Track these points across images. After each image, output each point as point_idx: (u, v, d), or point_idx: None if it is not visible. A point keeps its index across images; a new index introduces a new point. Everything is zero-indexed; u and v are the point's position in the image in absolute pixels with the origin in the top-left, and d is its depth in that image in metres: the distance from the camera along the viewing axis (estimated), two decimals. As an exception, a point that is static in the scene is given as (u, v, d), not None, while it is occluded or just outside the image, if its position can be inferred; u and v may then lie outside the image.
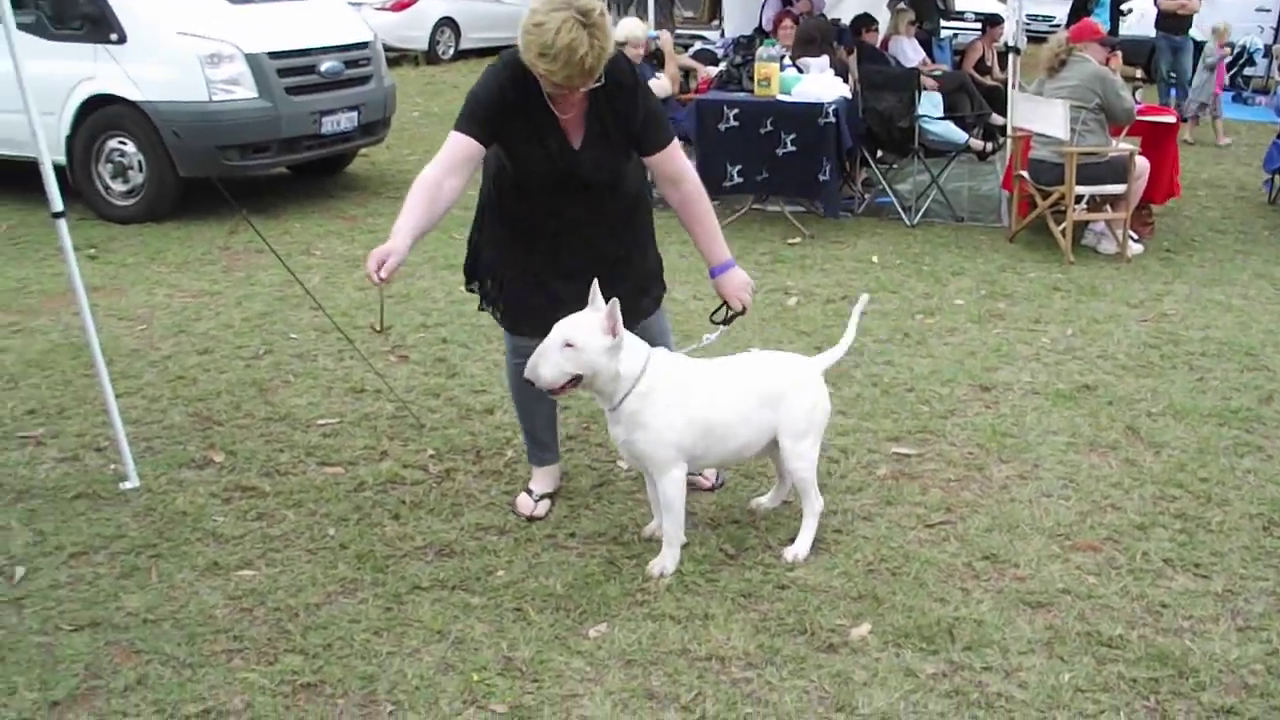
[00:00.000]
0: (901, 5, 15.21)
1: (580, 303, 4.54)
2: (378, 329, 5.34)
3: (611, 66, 4.50)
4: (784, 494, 5.20)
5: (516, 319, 5.06)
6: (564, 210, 4.80)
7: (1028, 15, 26.38)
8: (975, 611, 4.44)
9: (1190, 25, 17.71)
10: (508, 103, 4.58)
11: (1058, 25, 23.90)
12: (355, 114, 11.27)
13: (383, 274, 4.39)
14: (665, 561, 4.69)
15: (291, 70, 10.67)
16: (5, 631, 4.39)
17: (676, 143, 4.83)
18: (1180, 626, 4.41)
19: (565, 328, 4.43)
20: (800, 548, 4.81)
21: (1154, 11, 18.18)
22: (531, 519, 5.17)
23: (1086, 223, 9.82)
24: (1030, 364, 7.04)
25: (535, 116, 4.60)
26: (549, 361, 4.40)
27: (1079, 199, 9.53)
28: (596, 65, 4.34)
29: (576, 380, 4.46)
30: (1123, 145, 9.70)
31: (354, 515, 5.20)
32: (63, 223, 5.54)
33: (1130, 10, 20.69)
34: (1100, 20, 14.80)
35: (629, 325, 4.71)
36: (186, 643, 4.29)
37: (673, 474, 4.61)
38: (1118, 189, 9.50)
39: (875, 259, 9.32)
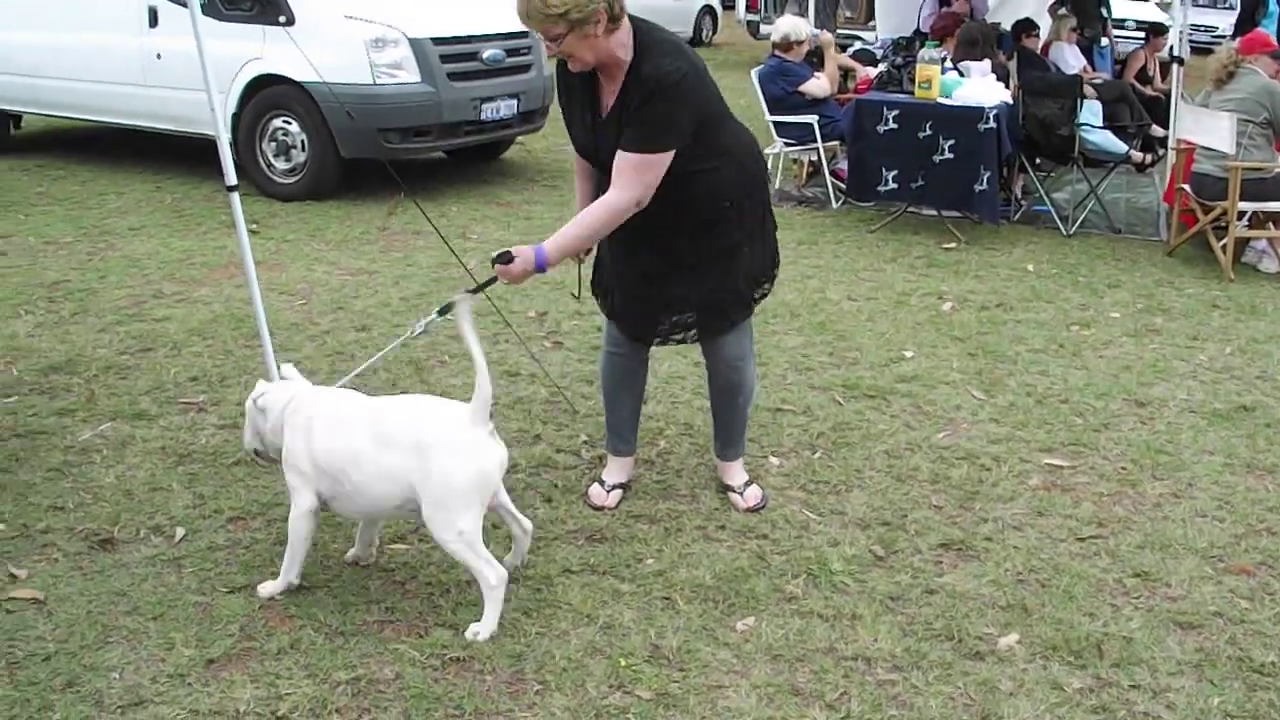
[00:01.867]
0: (1064, 11, 15.02)
1: (659, 304, 4.88)
2: (576, 296, 5.44)
3: (644, 57, 4.50)
4: (519, 555, 4.71)
5: (614, 312, 5.17)
6: None
7: (1191, 25, 26.00)
8: (1125, 628, 4.39)
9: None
10: (563, 75, 4.76)
11: (1221, 36, 23.47)
12: (515, 101, 11.40)
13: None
14: (266, 588, 4.55)
15: (454, 56, 10.84)
16: (165, 589, 4.52)
17: (639, 159, 4.48)
18: (1337, 655, 4.33)
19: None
20: (483, 627, 4.28)
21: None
22: (602, 509, 5.22)
23: (1248, 240, 9.63)
24: (1187, 381, 6.93)
25: (585, 88, 4.68)
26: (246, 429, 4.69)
27: (1241, 215, 9.35)
28: (535, 12, 4.37)
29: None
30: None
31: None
32: (236, 196, 5.68)
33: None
34: (1269, 31, 14.52)
35: (703, 343, 4.97)
36: (339, 611, 4.38)
37: (297, 503, 4.42)
38: (1283, 206, 9.32)
39: (1030, 267, 9.22)
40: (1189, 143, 9.80)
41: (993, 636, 4.32)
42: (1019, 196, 11.18)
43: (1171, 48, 10.86)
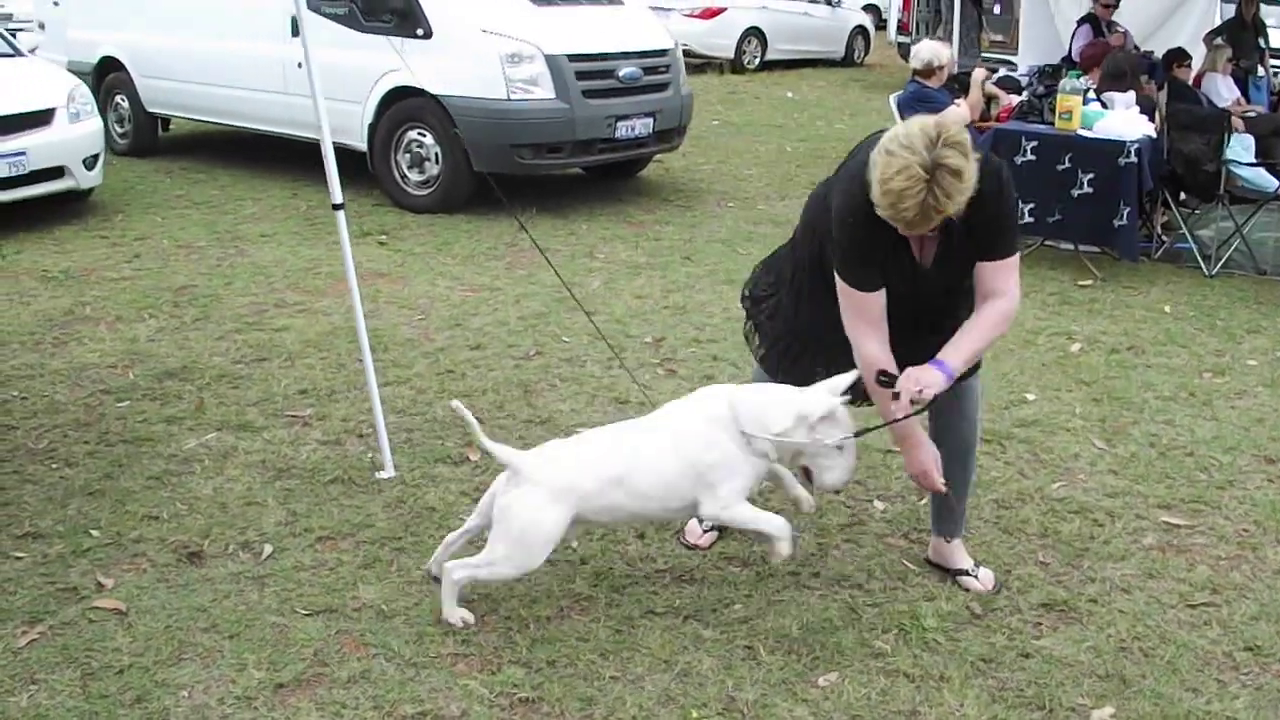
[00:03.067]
0: (1219, 41, 14.59)
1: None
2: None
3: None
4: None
5: (784, 366, 4.82)
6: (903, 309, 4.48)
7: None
8: (1229, 706, 4.14)
9: None
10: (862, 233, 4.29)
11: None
12: (651, 120, 11.31)
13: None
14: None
15: (589, 74, 10.79)
16: (245, 608, 4.51)
17: (1016, 259, 4.38)
18: None
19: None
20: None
21: None
22: (695, 547, 5.06)
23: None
24: (1324, 437, 6.62)
25: (890, 238, 4.27)
26: None
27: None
28: (925, 218, 4.00)
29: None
30: None
31: (598, 530, 5.16)
32: (341, 215, 5.67)
33: None
34: None
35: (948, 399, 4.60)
36: (414, 641, 4.32)
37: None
38: None
39: (1167, 308, 8.90)
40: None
41: (1086, 708, 4.10)
42: (1160, 233, 10.82)
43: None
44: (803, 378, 4.52)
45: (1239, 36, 15.39)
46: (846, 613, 4.62)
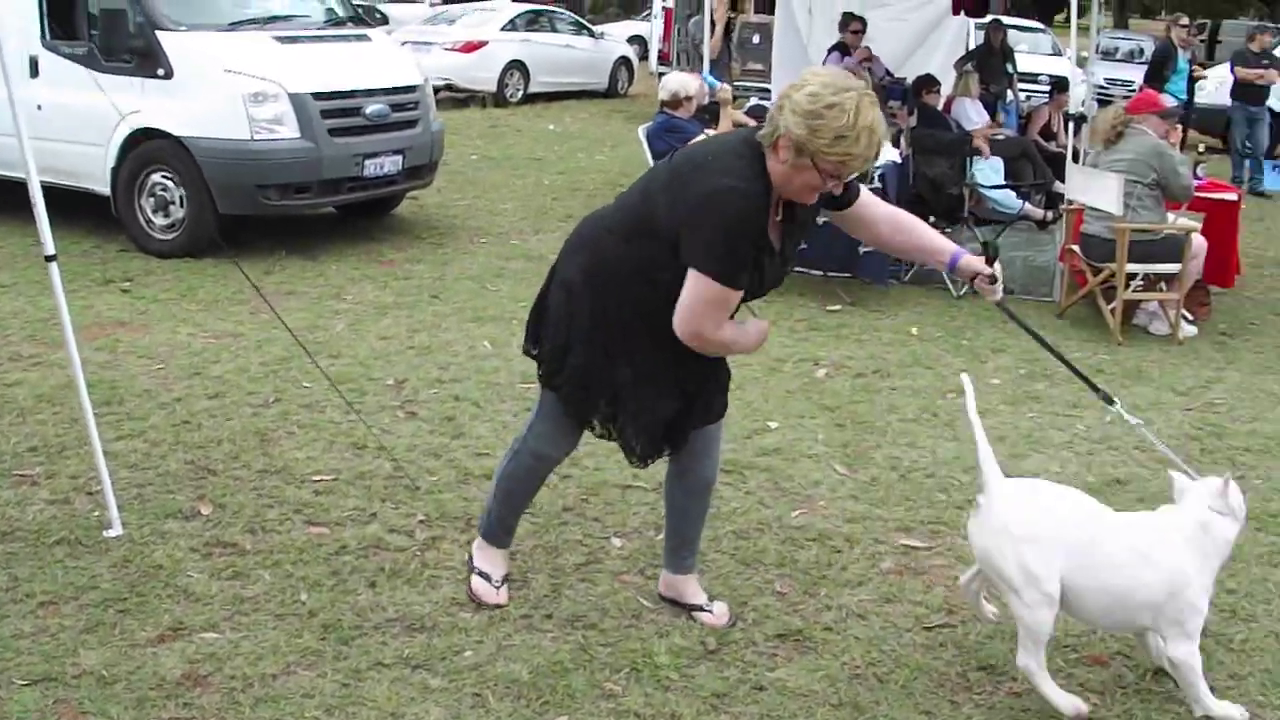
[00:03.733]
0: (969, 68, 15.01)
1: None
2: None
3: None
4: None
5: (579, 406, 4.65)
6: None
7: (1106, 79, 26.24)
8: (960, 727, 4.19)
9: (1269, 95, 17.40)
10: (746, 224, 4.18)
11: (1134, 90, 23.65)
12: (400, 157, 11.17)
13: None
14: None
15: (335, 112, 10.61)
16: (-43, 680, 4.27)
17: (865, 189, 4.53)
18: (1184, 757, 4.14)
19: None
20: None
21: (1230, 80, 17.89)
22: (498, 606, 4.86)
23: (1138, 302, 9.53)
24: (1061, 453, 6.77)
25: (761, 230, 4.22)
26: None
27: (1132, 277, 9.25)
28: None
29: None
30: (1182, 222, 9.41)
31: (330, 580, 5.01)
32: (54, 267, 5.42)
33: (1205, 78, 20.36)
34: (1177, 88, 14.59)
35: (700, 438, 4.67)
36: (134, 707, 4.14)
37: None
38: (1172, 268, 9.21)
39: (914, 330, 9.06)
40: (1079, 203, 9.71)
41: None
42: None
43: (1083, 102, 10.81)
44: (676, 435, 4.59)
45: (988, 62, 15.91)
46: (578, 653, 4.55)
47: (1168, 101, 10.36)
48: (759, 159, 4.12)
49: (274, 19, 11.28)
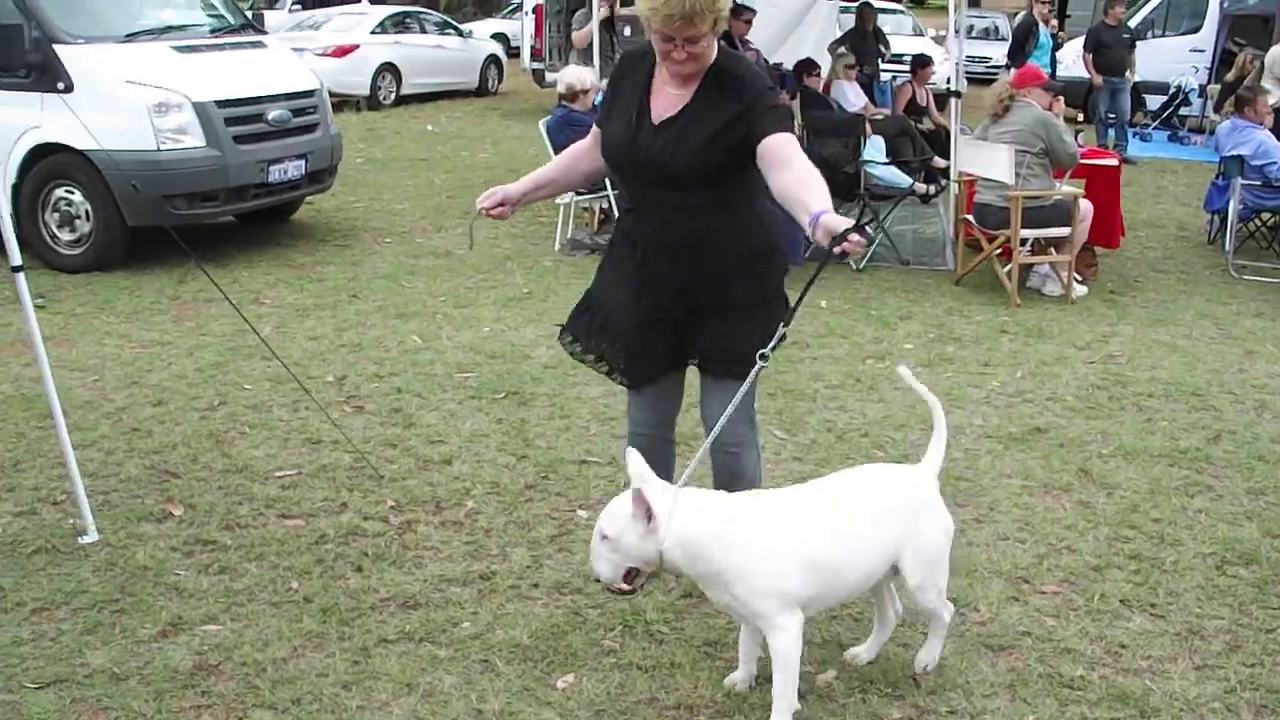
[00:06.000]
0: (842, 50, 15.37)
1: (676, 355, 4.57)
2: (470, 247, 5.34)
3: (730, 59, 4.43)
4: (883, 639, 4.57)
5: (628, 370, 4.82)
6: (646, 211, 4.58)
7: (966, 56, 26.84)
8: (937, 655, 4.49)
9: (1129, 68, 18.01)
10: (621, 74, 4.60)
11: (996, 67, 24.25)
12: (303, 162, 11.27)
13: (485, 203, 4.67)
14: None
15: (239, 119, 10.66)
16: (-32, 691, 4.36)
17: (793, 137, 4.34)
18: (1140, 666, 4.48)
19: (601, 519, 4.03)
20: (932, 658, 4.45)
21: (1081, 56, 18.55)
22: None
23: (1031, 265, 9.95)
24: (981, 407, 7.12)
25: (635, 90, 4.49)
26: (597, 557, 4.02)
27: (1024, 242, 9.65)
28: (702, 8, 4.14)
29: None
30: (1067, 189, 9.85)
31: (316, 568, 5.19)
32: (21, 277, 5.48)
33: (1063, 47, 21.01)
34: (1040, 62, 15.06)
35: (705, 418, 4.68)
36: (154, 699, 4.27)
37: (785, 627, 3.97)
38: (1062, 232, 9.63)
39: (824, 303, 9.39)
40: (970, 175, 10.10)
41: (811, 674, 4.38)
42: (807, 235, 11.35)
43: (949, 80, 11.18)
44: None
45: (861, 45, 16.24)
46: (571, 616, 4.79)
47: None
48: None
49: (169, 29, 11.29)
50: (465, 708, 4.20)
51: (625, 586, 4.02)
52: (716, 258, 4.49)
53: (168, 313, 9.19)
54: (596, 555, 4.01)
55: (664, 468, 4.82)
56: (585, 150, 4.80)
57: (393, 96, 24.47)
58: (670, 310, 4.57)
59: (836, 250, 3.91)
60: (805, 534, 3.96)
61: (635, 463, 4.06)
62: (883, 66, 17.99)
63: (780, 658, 3.94)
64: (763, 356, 4.09)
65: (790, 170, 4.21)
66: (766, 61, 14.26)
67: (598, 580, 4.07)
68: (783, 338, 4.14)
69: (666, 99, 4.43)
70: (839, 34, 17.49)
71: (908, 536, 4.14)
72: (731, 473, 4.77)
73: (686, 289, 4.53)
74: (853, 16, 17.80)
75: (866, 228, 4.17)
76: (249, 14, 13.50)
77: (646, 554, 3.92)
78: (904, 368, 4.47)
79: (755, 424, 4.89)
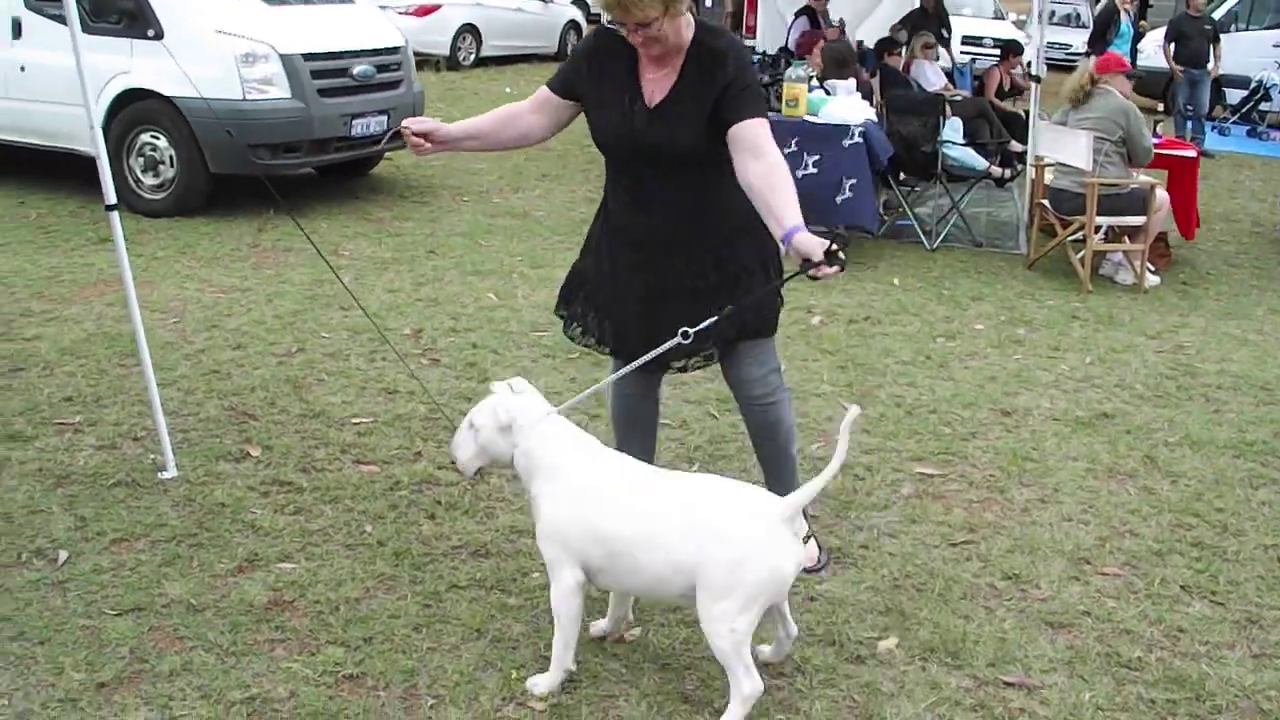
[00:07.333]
0: (923, 31, 15.33)
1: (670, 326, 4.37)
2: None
3: (710, 34, 4.45)
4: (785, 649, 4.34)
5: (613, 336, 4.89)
6: (642, 196, 4.62)
7: (1047, 43, 26.67)
8: (998, 629, 4.56)
9: (1209, 59, 17.86)
10: (598, 53, 4.57)
11: (1076, 54, 24.09)
12: (385, 117, 11.38)
13: (413, 125, 4.68)
14: (540, 682, 4.12)
15: (324, 72, 10.83)
16: (51, 613, 4.48)
17: (766, 122, 4.36)
18: (1197, 651, 4.52)
19: (473, 409, 4.26)
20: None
21: (1162, 47, 18.41)
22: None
23: (1105, 253, 9.94)
24: (1050, 390, 7.16)
25: (622, 73, 4.51)
26: (462, 443, 4.26)
27: (1098, 229, 9.65)
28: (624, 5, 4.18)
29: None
30: (1144, 178, 9.82)
31: (390, 513, 5.30)
32: (115, 215, 5.62)
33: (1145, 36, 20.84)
34: (1121, 52, 14.98)
35: (727, 375, 4.74)
36: (229, 631, 4.39)
37: (560, 579, 4.04)
38: (1137, 221, 9.62)
39: (896, 281, 9.44)
40: (1048, 159, 10.10)
41: (872, 640, 4.45)
42: (883, 212, 11.40)
43: (1029, 65, 11.17)
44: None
45: (922, 25, 16.17)
46: (641, 573, 4.87)
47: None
48: None
49: (260, -19, 11.41)
50: (533, 654, 4.29)
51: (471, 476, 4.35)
52: (716, 233, 4.59)
53: (247, 259, 9.34)
54: (462, 441, 4.25)
55: (647, 424, 5.13)
56: (521, 111, 4.78)
57: (472, 58, 24.56)
58: (671, 287, 4.64)
59: (809, 275, 4.08)
60: (606, 503, 4.00)
61: (521, 384, 4.31)
62: (962, 49, 17.89)
63: (553, 608, 4.08)
64: (685, 334, 4.23)
65: (760, 161, 4.27)
66: (848, 37, 14.26)
67: (453, 463, 4.34)
68: (716, 323, 4.27)
69: (654, 81, 4.49)
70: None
71: (707, 559, 3.81)
72: (768, 423, 4.88)
73: (689, 262, 4.62)
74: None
75: (840, 252, 4.04)
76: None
77: (500, 452, 4.17)
78: (855, 409, 4.05)
79: (781, 371, 4.94)
